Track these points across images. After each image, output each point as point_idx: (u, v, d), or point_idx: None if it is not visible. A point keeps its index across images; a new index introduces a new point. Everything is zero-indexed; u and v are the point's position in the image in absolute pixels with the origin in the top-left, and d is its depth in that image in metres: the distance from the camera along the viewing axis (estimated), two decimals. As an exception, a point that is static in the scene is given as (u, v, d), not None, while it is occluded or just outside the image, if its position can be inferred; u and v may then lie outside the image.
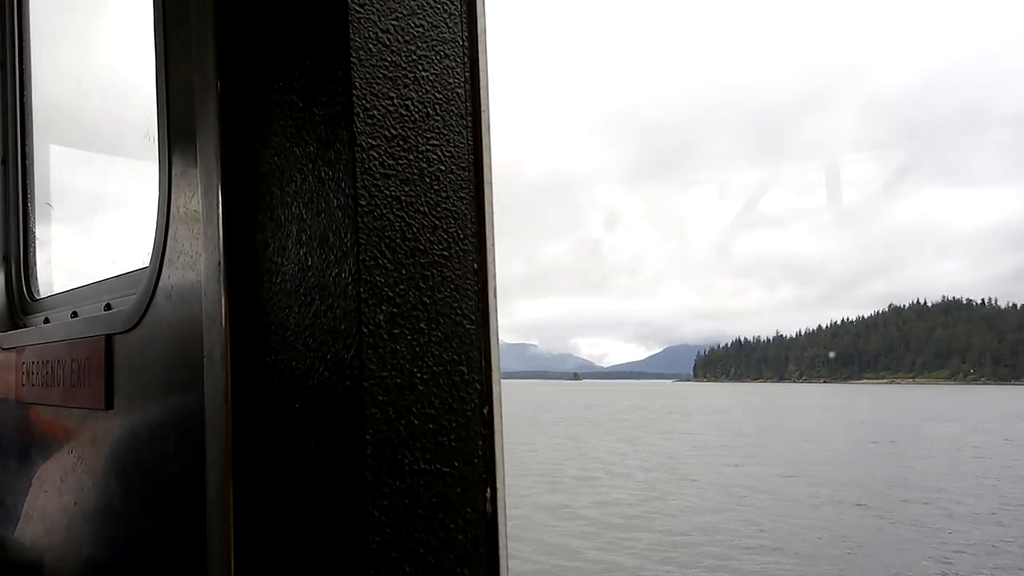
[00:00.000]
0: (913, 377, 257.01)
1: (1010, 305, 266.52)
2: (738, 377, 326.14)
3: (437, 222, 1.01)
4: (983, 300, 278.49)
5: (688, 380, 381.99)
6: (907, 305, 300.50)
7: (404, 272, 0.98)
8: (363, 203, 0.96)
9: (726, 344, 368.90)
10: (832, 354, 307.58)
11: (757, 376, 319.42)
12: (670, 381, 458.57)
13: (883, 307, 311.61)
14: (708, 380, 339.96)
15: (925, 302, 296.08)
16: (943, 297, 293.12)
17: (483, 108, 1.06)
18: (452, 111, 1.03)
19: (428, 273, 1.00)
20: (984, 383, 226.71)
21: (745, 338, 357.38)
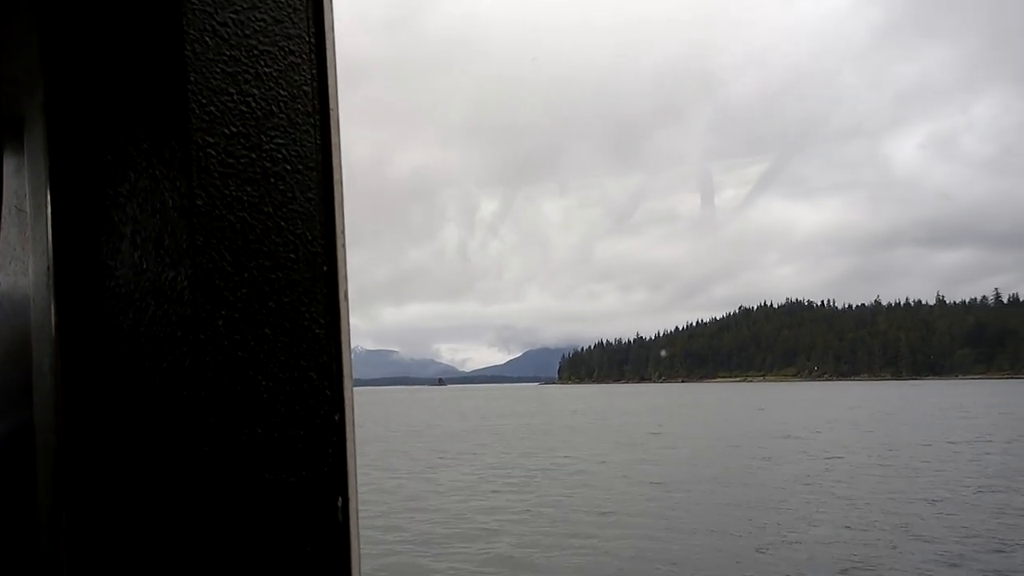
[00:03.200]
0: (764, 375, 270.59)
1: (846, 306, 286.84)
2: (601, 378, 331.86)
3: (283, 223, 0.95)
4: (822, 302, 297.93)
5: (553, 383, 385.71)
6: (755, 307, 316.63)
7: (246, 275, 0.92)
8: (200, 203, 0.89)
9: (589, 346, 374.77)
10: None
11: (620, 377, 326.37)
12: (536, 384, 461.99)
13: (734, 309, 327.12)
14: (573, 382, 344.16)
15: (771, 304, 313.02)
16: (787, 299, 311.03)
17: (332, 106, 1.00)
18: (298, 109, 0.97)
19: (273, 276, 0.94)
20: (827, 379, 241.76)
21: (607, 340, 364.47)
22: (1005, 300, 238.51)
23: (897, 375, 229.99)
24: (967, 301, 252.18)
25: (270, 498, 0.91)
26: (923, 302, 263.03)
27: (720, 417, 60.14)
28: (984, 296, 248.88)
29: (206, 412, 0.88)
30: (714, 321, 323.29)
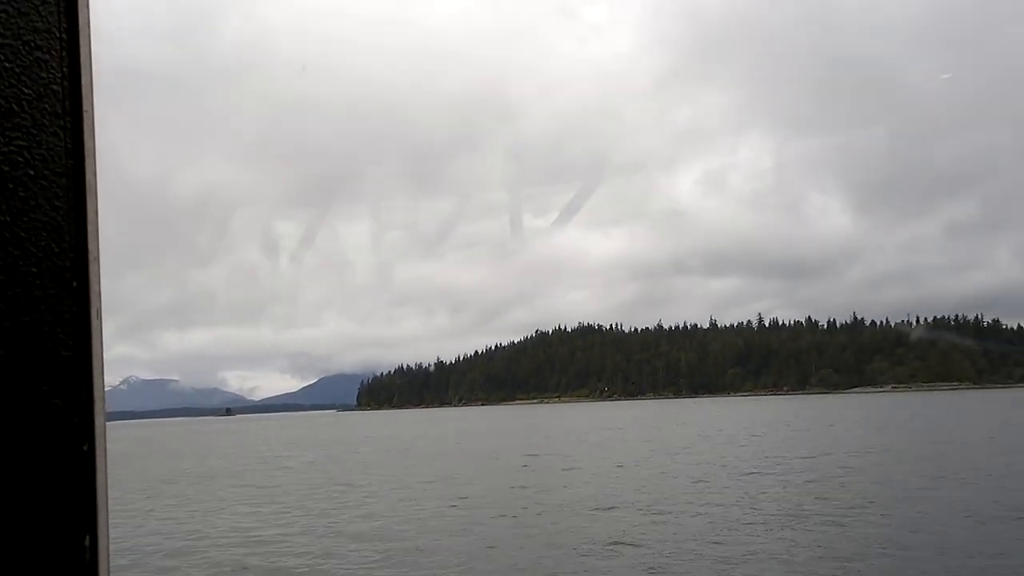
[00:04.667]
0: (559, 396, 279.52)
1: (633, 329, 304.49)
2: (401, 404, 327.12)
3: (23, 234, 0.84)
4: (611, 325, 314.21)
5: (351, 409, 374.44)
6: (551, 331, 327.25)
7: None
8: None
9: (389, 371, 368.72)
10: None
11: (420, 402, 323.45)
12: (333, 411, 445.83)
13: (531, 332, 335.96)
14: (372, 408, 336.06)
15: (565, 327, 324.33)
16: (579, 323, 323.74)
17: (86, 108, 0.90)
18: (45, 109, 0.86)
19: (11, 293, 0.83)
20: (616, 399, 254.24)
21: (407, 365, 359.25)
22: (767, 324, 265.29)
23: (678, 394, 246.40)
24: (735, 325, 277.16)
25: (6, 537, 0.81)
26: (699, 326, 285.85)
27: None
28: (749, 320, 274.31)
29: None
30: (512, 344, 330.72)
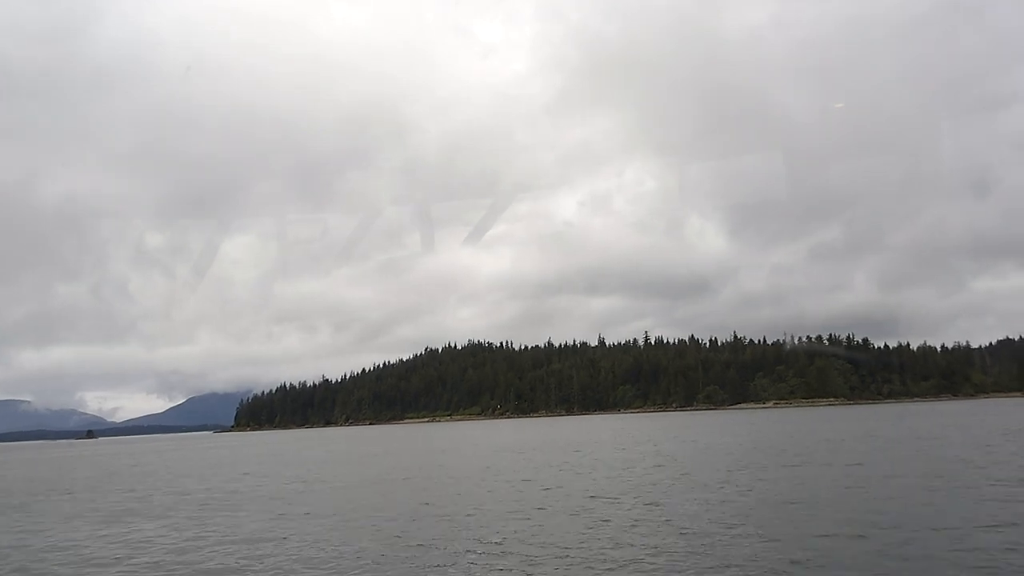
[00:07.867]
0: (450, 414, 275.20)
1: (523, 346, 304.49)
2: (284, 424, 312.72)
3: None
4: (501, 343, 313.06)
5: (225, 430, 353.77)
6: (441, 348, 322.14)
7: None
8: None
9: (269, 390, 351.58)
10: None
11: (304, 422, 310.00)
12: (209, 432, 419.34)
13: (420, 350, 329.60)
14: (252, 428, 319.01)
15: (455, 345, 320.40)
16: (469, 340, 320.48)
17: None
18: None
19: None
20: (509, 416, 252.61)
21: (290, 383, 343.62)
22: (652, 341, 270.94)
23: (570, 411, 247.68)
24: (622, 343, 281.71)
25: None
26: (588, 343, 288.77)
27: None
28: (635, 338, 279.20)
29: None
30: (401, 362, 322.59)
